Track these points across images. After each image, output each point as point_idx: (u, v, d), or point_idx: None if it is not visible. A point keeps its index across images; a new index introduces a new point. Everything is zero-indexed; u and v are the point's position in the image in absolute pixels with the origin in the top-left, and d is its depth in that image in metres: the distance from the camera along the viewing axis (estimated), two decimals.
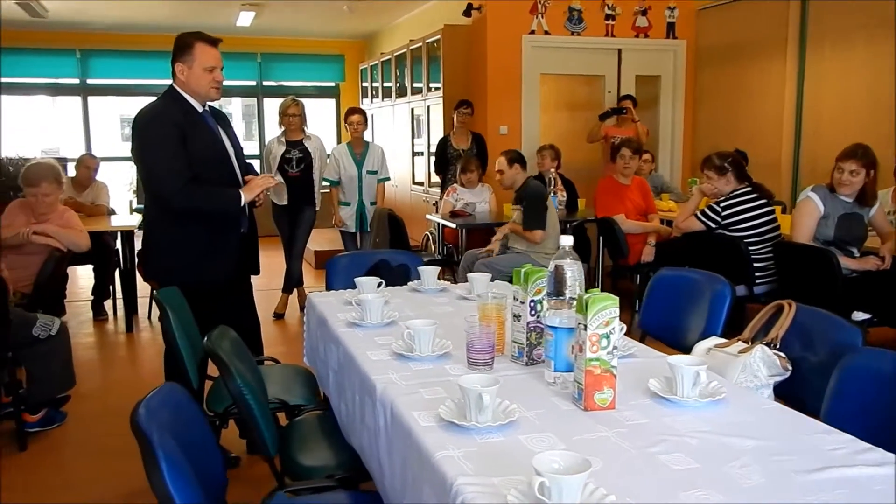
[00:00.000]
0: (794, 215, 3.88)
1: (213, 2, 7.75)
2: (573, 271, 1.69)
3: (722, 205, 4.08)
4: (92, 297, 5.57)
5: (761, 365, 2.22)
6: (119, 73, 10.37)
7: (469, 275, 2.69)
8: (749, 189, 4.10)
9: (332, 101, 11.48)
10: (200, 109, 2.88)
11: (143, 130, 2.79)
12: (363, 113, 5.73)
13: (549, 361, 1.72)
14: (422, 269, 2.82)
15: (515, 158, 4.68)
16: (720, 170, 4.12)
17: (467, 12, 6.94)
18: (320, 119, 11.28)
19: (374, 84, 9.60)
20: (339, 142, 11.03)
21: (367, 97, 10.04)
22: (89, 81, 10.32)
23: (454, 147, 6.49)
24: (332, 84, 11.33)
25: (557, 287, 1.70)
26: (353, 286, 3.07)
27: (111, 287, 5.61)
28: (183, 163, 2.73)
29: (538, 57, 7.05)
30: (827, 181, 3.83)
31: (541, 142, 7.24)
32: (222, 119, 3.02)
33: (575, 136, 7.48)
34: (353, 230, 5.67)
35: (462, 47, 7.18)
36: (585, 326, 1.56)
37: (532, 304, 1.85)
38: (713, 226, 4.11)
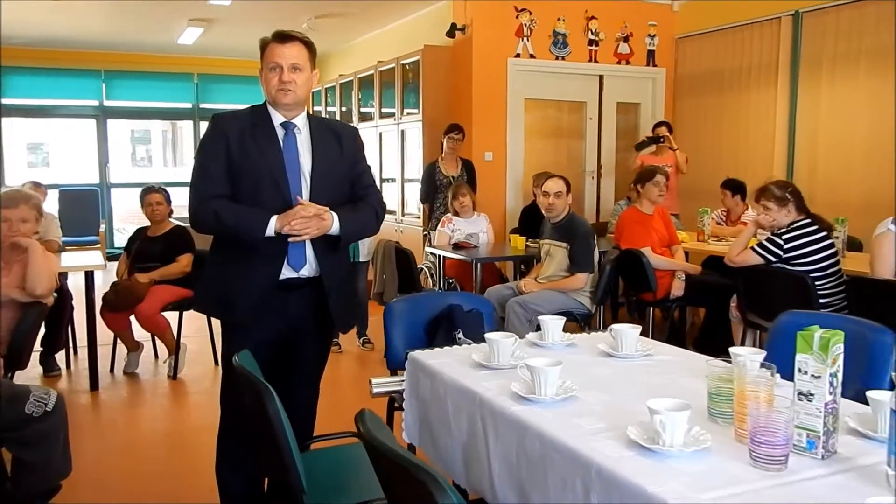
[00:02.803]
0: (873, 249, 3.63)
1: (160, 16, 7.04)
2: None
3: (784, 237, 3.81)
4: (41, 349, 4.70)
5: None
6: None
7: (614, 327, 2.22)
8: (810, 220, 3.85)
9: None
10: (280, 120, 2.35)
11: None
12: None
13: None
14: (544, 319, 2.33)
15: (569, 185, 4.28)
16: (781, 200, 3.84)
17: (451, 33, 6.54)
18: None
19: (330, 108, 9.01)
20: None
21: None
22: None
23: (444, 174, 6.04)
24: None
25: None
26: (415, 335, 2.67)
27: (65, 336, 4.77)
28: (210, 179, 2.31)
29: (523, 81, 6.73)
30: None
31: (525, 168, 6.92)
32: (333, 135, 2.44)
33: (557, 164, 7.17)
34: None
35: (444, 69, 6.75)
36: None
37: (830, 380, 1.42)
38: (773, 259, 3.84)
